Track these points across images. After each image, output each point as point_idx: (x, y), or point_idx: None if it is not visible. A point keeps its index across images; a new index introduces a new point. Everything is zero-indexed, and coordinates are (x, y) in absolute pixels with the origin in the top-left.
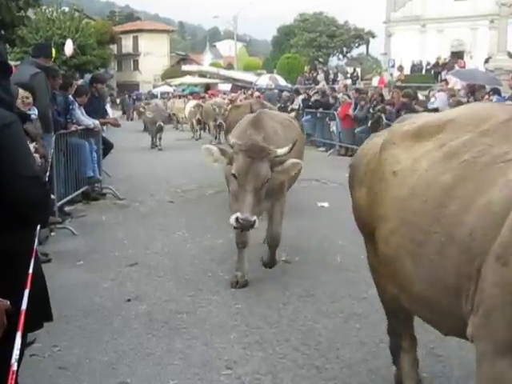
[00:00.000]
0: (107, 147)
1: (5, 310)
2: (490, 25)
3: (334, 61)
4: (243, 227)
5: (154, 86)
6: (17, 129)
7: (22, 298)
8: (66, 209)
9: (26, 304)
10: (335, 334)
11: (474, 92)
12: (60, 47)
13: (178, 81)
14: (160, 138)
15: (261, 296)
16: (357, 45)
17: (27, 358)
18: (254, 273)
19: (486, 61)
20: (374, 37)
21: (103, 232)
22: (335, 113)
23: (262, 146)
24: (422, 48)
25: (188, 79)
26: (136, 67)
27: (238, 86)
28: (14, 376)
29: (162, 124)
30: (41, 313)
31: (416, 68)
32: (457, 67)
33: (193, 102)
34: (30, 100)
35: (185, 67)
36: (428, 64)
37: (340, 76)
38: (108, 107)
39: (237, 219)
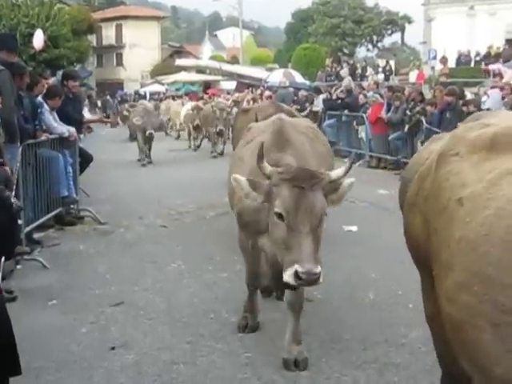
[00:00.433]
0: (85, 160)
1: None
2: None
3: (361, 52)
4: (307, 283)
5: (142, 85)
6: None
7: None
8: (36, 236)
9: None
10: None
11: None
12: (27, 39)
13: (170, 78)
14: (150, 149)
15: (275, 342)
16: (389, 32)
17: None
18: (267, 313)
19: None
20: (410, 22)
21: (81, 264)
22: (364, 116)
23: (311, 171)
24: (469, 35)
25: (183, 76)
26: (120, 62)
27: (245, 83)
28: None
29: (153, 133)
30: (5, 364)
31: (463, 60)
32: None
33: (190, 104)
34: None
35: (179, 61)
36: (477, 54)
37: (369, 70)
38: (86, 111)
39: (296, 274)
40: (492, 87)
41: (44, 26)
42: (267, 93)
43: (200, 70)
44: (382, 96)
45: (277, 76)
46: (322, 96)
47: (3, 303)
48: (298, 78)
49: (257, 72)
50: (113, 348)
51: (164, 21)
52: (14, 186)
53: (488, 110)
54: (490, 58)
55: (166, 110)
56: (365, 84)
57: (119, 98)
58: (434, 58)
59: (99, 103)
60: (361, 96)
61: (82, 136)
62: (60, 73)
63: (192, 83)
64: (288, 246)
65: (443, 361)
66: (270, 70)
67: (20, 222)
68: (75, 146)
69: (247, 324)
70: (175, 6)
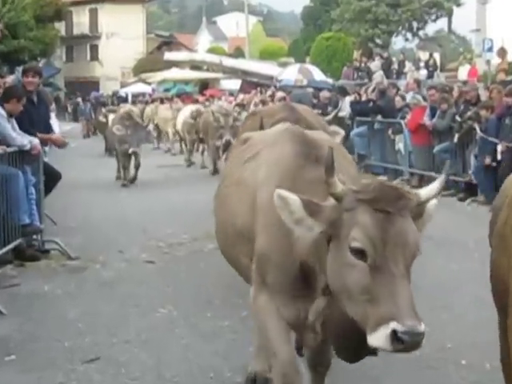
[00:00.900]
0: (51, 179)
1: None
2: None
3: (398, 42)
4: (410, 347)
5: (123, 85)
6: None
7: None
8: None
9: None
10: None
11: None
12: None
13: (158, 76)
14: (138, 167)
15: None
16: (433, 18)
17: None
18: None
19: None
20: (459, 5)
21: (46, 310)
22: (402, 122)
23: (397, 188)
24: None
25: (174, 73)
26: (95, 56)
27: (252, 82)
28: None
29: (138, 151)
30: None
31: None
32: None
33: (189, 108)
34: None
35: (169, 55)
36: None
37: (408, 66)
38: (53, 118)
39: (394, 335)
40: None
41: None
42: (280, 94)
43: (195, 66)
44: (424, 98)
45: (291, 73)
46: (348, 98)
47: None
48: (318, 76)
49: (267, 68)
50: None
51: (150, 4)
52: None
53: None
54: None
55: (151, 115)
56: (402, 83)
57: (93, 101)
58: (490, 49)
59: (69, 108)
60: (397, 98)
61: (46, 149)
62: (20, 69)
63: (186, 82)
64: (374, 295)
65: None
66: (284, 65)
67: None
68: (39, 162)
69: (255, 379)
70: None
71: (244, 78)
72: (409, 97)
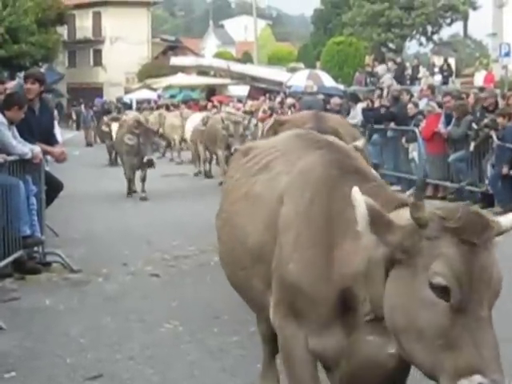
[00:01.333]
0: (53, 189)
1: None
2: None
3: (412, 47)
4: None
5: (127, 91)
6: None
7: None
8: None
9: None
10: None
11: None
12: None
13: (164, 82)
14: (144, 179)
15: None
16: (449, 21)
17: None
18: None
19: None
20: (475, 9)
21: (47, 325)
22: (416, 130)
23: (481, 215)
24: None
25: (180, 79)
26: (98, 61)
27: (260, 88)
28: None
29: (153, 158)
30: None
31: None
32: None
33: (198, 116)
34: None
35: (175, 60)
36: None
37: (422, 71)
38: (55, 126)
39: None
40: None
41: (0, 15)
42: (289, 100)
43: (202, 72)
44: (439, 104)
45: (300, 79)
46: (360, 105)
47: None
48: (328, 82)
49: (275, 73)
50: None
51: (156, 8)
52: None
53: None
54: None
55: (155, 123)
56: (416, 89)
57: (98, 108)
58: (507, 54)
59: (74, 115)
60: (410, 105)
61: (48, 158)
62: (21, 75)
63: (192, 88)
64: (455, 340)
65: None
66: (293, 70)
67: None
68: (40, 171)
69: None
70: None
71: (252, 83)
72: (422, 103)
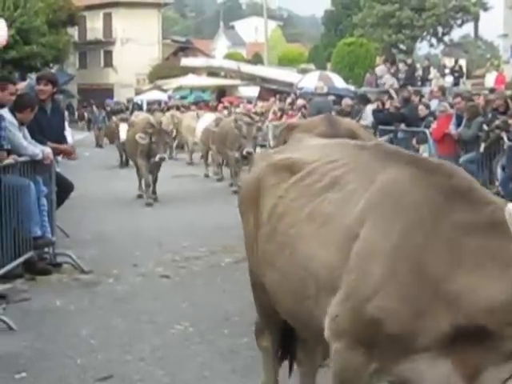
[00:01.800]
0: (64, 190)
1: None
2: None
3: (423, 48)
4: None
5: (137, 92)
6: None
7: None
8: None
9: None
10: None
11: None
12: None
13: (174, 83)
14: (155, 180)
15: None
16: (459, 22)
17: None
18: None
19: None
20: (486, 10)
21: (58, 326)
22: (427, 131)
23: None
24: None
25: (191, 80)
26: (109, 62)
27: (271, 89)
28: None
29: (165, 156)
30: None
31: None
32: None
33: (210, 116)
34: None
35: (186, 61)
36: None
37: (433, 72)
38: (66, 127)
39: None
40: None
41: (11, 16)
42: (300, 102)
43: (212, 73)
44: (450, 105)
45: (311, 80)
46: (370, 106)
47: None
48: (339, 83)
49: (286, 75)
50: None
51: (166, 9)
52: None
53: None
54: None
55: (168, 124)
56: (426, 90)
57: (108, 109)
58: None
59: (86, 116)
60: (421, 106)
61: (59, 159)
62: (33, 76)
63: (203, 89)
64: None
65: None
66: (304, 71)
67: None
68: (51, 172)
69: None
70: None
71: (262, 84)
72: (433, 105)
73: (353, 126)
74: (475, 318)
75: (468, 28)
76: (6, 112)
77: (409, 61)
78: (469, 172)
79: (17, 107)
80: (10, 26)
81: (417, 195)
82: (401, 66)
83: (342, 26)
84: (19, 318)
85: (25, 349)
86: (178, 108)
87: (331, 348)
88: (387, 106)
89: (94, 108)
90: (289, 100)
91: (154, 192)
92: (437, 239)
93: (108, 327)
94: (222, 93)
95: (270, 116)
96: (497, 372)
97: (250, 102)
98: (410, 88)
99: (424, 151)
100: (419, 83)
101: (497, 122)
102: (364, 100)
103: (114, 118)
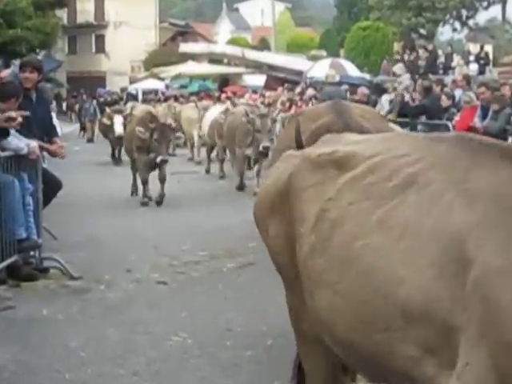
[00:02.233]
0: (51, 187)
1: None
2: None
3: (445, 33)
4: None
5: (132, 80)
6: None
7: None
8: None
9: None
10: None
11: None
12: None
13: (173, 70)
14: (163, 180)
15: None
16: (485, 5)
17: None
18: None
19: None
20: None
21: (44, 337)
22: (449, 124)
23: None
24: None
25: (190, 68)
26: (101, 48)
27: (278, 78)
28: None
29: (167, 159)
30: None
31: None
32: None
33: (217, 108)
34: None
35: (185, 47)
36: None
37: (457, 59)
38: (54, 118)
39: None
40: None
41: None
42: (310, 91)
43: (214, 59)
44: (475, 96)
45: (322, 68)
46: (386, 96)
47: None
48: (352, 71)
49: (295, 62)
50: None
51: None
52: None
53: None
54: None
55: (163, 115)
56: (449, 78)
57: (101, 99)
58: None
59: (76, 107)
60: (443, 97)
61: (45, 153)
62: (16, 63)
63: (203, 78)
64: None
65: None
66: (314, 58)
67: None
68: (37, 168)
69: None
70: None
71: (269, 73)
72: (457, 95)
73: (368, 113)
74: None
75: (495, 11)
76: None
77: (430, 47)
78: None
79: (0, 97)
80: None
81: None
82: (421, 52)
83: (356, 9)
84: (2, 328)
85: (8, 362)
86: (176, 98)
87: None
88: (406, 97)
89: (85, 98)
90: (298, 89)
91: (163, 195)
92: None
93: (99, 338)
94: (224, 82)
95: (278, 107)
96: None
97: (255, 91)
98: (430, 77)
99: None
100: (441, 71)
101: None
102: (379, 90)
103: (108, 110)
